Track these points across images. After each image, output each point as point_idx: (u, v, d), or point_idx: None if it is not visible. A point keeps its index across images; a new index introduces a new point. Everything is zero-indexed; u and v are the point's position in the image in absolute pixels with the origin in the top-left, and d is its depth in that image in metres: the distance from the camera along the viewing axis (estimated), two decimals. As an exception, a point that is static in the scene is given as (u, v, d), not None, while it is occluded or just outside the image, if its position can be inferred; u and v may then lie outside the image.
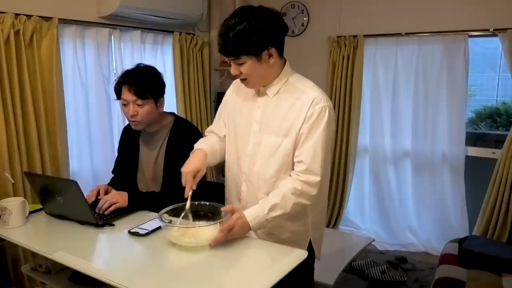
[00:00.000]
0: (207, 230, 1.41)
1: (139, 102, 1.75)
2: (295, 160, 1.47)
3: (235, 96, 1.64)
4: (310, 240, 1.61)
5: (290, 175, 1.48)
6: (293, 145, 1.47)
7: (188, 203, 1.46)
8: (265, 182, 1.52)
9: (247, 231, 1.44)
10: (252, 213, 1.42)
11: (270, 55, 1.42)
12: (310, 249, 1.61)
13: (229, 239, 1.40)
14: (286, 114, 1.47)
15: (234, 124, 1.61)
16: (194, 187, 1.46)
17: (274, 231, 1.55)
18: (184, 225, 1.46)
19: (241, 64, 1.42)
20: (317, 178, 1.44)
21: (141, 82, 1.75)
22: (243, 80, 1.48)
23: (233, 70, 1.45)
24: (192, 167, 1.48)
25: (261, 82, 1.49)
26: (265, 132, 1.50)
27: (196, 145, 1.64)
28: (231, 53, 1.40)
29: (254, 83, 1.49)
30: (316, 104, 1.43)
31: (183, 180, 1.46)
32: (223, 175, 1.71)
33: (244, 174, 1.57)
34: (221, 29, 1.39)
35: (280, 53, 1.47)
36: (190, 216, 1.47)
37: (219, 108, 1.73)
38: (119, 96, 1.81)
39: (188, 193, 1.45)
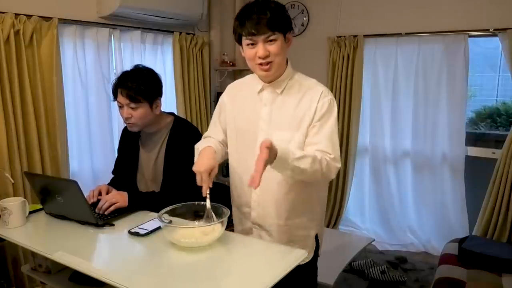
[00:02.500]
0: (207, 230, 1.40)
1: (132, 105, 1.75)
2: (314, 148, 1.45)
3: (233, 100, 1.64)
4: (316, 236, 1.63)
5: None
6: (304, 138, 1.48)
7: (208, 202, 1.43)
8: (280, 178, 1.51)
9: (273, 158, 1.32)
10: (283, 148, 1.33)
11: (288, 40, 1.47)
12: (316, 246, 1.64)
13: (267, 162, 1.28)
14: (296, 108, 1.49)
15: (236, 127, 1.60)
16: (211, 185, 1.42)
17: (289, 229, 1.57)
18: (186, 224, 1.46)
19: (272, 42, 1.40)
20: (338, 165, 1.47)
21: (134, 85, 1.74)
22: (265, 65, 1.44)
23: (262, 51, 1.41)
24: (206, 165, 1.43)
25: (280, 67, 1.48)
26: (275, 129, 1.50)
27: (198, 146, 1.61)
28: (268, 27, 1.38)
29: (277, 67, 1.46)
30: (324, 96, 1.48)
31: (198, 179, 1.42)
32: (223, 175, 1.71)
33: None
34: (252, 9, 1.39)
35: None
36: (212, 215, 1.44)
37: (214, 115, 1.72)
38: (116, 98, 1.81)
39: (206, 191, 1.41)
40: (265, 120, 1.52)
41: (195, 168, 1.44)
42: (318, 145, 1.46)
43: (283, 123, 1.50)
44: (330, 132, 1.47)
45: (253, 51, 1.43)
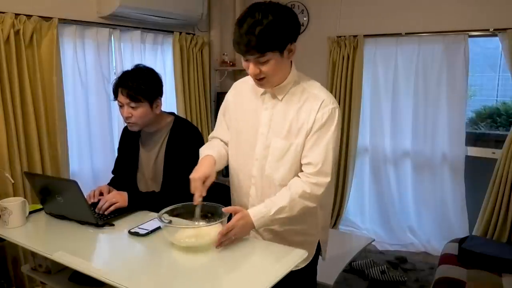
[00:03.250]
0: (207, 230, 1.41)
1: (133, 104, 1.75)
2: (304, 161, 1.45)
3: (237, 99, 1.61)
4: (318, 241, 1.61)
5: (299, 176, 1.45)
6: (302, 147, 1.45)
7: (197, 211, 1.44)
8: (275, 185, 1.49)
9: (249, 230, 1.43)
10: (257, 214, 1.40)
11: (290, 51, 1.38)
12: (317, 250, 1.62)
13: (232, 239, 1.39)
14: (295, 116, 1.45)
15: (237, 127, 1.58)
16: (204, 194, 1.42)
17: (285, 235, 1.55)
18: (186, 224, 1.46)
19: (263, 63, 1.34)
20: (327, 179, 1.43)
21: (134, 85, 1.74)
22: (259, 80, 1.41)
23: (253, 69, 1.36)
24: (202, 173, 1.44)
25: (278, 80, 1.44)
26: (273, 135, 1.47)
27: (202, 151, 1.59)
28: (257, 50, 1.30)
29: (272, 82, 1.43)
30: (325, 106, 1.42)
31: (192, 187, 1.42)
32: (224, 175, 1.70)
33: (252, 178, 1.54)
34: (242, 27, 1.29)
35: None
36: (202, 223, 1.45)
37: (219, 113, 1.69)
38: (116, 97, 1.81)
39: (198, 199, 1.41)
40: (265, 125, 1.49)
41: (191, 175, 1.44)
42: (308, 158, 1.43)
43: (282, 130, 1.46)
44: (326, 145, 1.42)
45: (247, 64, 1.39)
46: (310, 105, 1.44)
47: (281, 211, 1.40)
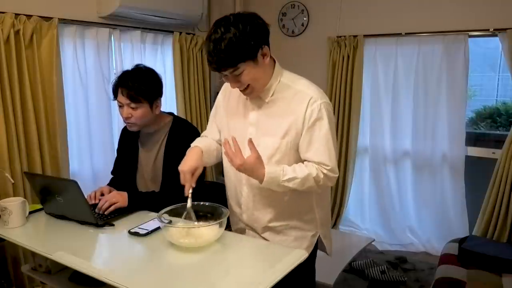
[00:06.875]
0: (207, 230, 1.41)
1: (133, 105, 1.76)
2: (310, 162, 1.45)
3: (227, 100, 1.64)
4: (318, 237, 1.62)
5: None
6: (294, 145, 1.46)
7: (189, 202, 1.45)
8: None
9: (256, 176, 1.40)
10: (272, 171, 1.39)
11: (264, 55, 1.39)
12: (315, 247, 1.63)
13: (236, 166, 1.38)
14: (283, 114, 1.45)
15: (228, 129, 1.60)
16: (194, 185, 1.45)
17: (283, 230, 1.56)
18: (186, 224, 1.46)
19: (239, 75, 1.37)
20: (336, 175, 1.46)
21: (135, 86, 1.74)
22: (245, 90, 1.43)
23: (232, 84, 1.40)
24: (189, 165, 1.47)
25: (263, 86, 1.45)
26: (262, 135, 1.49)
27: (192, 144, 1.62)
28: (228, 65, 1.34)
29: (258, 89, 1.44)
30: (313, 102, 1.42)
31: (181, 179, 1.45)
32: (223, 175, 1.70)
33: (244, 178, 1.55)
34: (208, 46, 1.33)
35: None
36: (193, 214, 1.46)
37: (211, 114, 1.73)
38: (116, 97, 1.81)
39: (188, 191, 1.44)
40: (253, 125, 1.50)
41: (179, 167, 1.46)
42: (314, 158, 1.43)
43: (270, 130, 1.47)
44: (325, 142, 1.42)
45: (227, 81, 1.43)
46: (298, 102, 1.43)
47: (292, 181, 1.40)
